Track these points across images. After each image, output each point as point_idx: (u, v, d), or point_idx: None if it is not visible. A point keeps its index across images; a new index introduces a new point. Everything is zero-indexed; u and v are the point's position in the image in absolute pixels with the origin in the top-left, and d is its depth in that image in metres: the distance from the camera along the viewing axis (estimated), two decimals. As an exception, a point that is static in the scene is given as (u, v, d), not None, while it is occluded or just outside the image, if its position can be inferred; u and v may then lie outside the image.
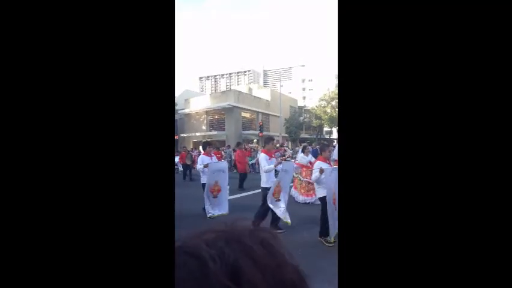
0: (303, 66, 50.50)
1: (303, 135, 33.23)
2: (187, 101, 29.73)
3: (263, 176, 5.29)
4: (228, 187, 6.17)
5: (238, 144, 11.76)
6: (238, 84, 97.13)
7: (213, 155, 6.47)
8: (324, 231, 4.61)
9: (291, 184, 6.27)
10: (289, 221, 5.10)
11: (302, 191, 7.69)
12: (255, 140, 20.93)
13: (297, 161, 7.84)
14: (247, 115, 29.23)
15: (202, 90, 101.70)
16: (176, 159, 15.12)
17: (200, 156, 6.66)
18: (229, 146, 18.62)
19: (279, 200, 5.06)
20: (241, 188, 9.83)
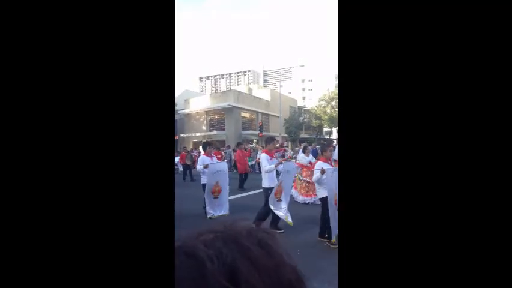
0: (302, 66, 50.54)
1: (303, 135, 33.25)
2: (187, 101, 29.73)
3: (264, 176, 5.27)
4: (228, 187, 6.17)
5: (239, 144, 11.76)
6: (238, 85, 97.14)
7: (213, 155, 6.46)
8: (324, 232, 4.61)
9: (292, 184, 6.27)
10: (290, 220, 5.09)
11: (302, 191, 7.69)
12: (254, 140, 20.93)
13: (297, 161, 7.84)
14: (247, 115, 29.24)
15: (202, 91, 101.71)
16: (177, 159, 15.12)
17: (200, 156, 6.66)
18: (229, 146, 18.62)
19: (281, 201, 5.05)
20: (241, 188, 9.83)
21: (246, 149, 12.71)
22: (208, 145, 6.49)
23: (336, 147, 8.31)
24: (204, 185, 5.98)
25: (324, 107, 33.59)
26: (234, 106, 26.28)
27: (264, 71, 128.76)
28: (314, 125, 35.99)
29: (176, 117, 27.29)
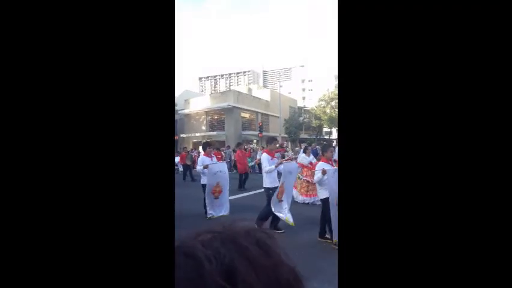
0: (302, 66, 50.52)
1: (303, 135, 33.24)
2: (186, 101, 29.72)
3: (265, 176, 5.25)
4: (228, 188, 6.16)
5: (239, 144, 11.75)
6: (237, 85, 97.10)
7: (213, 155, 6.45)
8: (324, 232, 4.61)
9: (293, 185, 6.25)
10: (291, 221, 5.07)
11: (302, 190, 7.68)
12: (254, 141, 20.92)
13: (298, 161, 7.85)
14: (246, 115, 29.23)
15: (202, 91, 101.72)
16: (177, 159, 15.11)
17: (200, 157, 6.65)
18: (228, 147, 18.62)
19: (282, 201, 5.02)
20: (243, 188, 9.81)
21: (246, 150, 12.69)
22: (208, 145, 6.47)
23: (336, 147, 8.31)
24: (203, 186, 5.97)
25: (324, 107, 33.60)
26: (233, 106, 26.28)
27: (264, 71, 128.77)
28: (314, 125, 35.99)
29: (176, 117, 27.28)
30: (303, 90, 71.07)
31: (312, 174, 7.10)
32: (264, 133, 24.34)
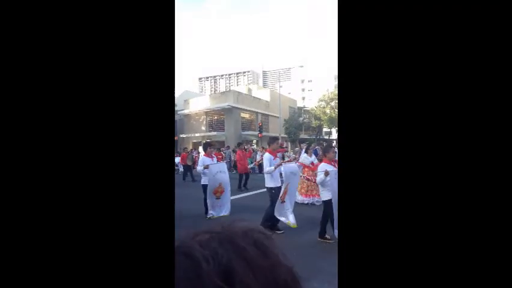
0: (302, 67, 50.53)
1: (303, 135, 33.23)
2: (186, 101, 29.73)
3: (267, 176, 5.20)
4: (229, 188, 6.16)
5: (239, 144, 11.74)
6: (237, 85, 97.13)
7: (213, 155, 6.44)
8: (324, 232, 4.61)
9: (297, 185, 6.23)
10: (293, 222, 5.04)
11: (302, 190, 7.67)
12: (254, 141, 20.91)
13: (300, 161, 7.85)
14: (246, 116, 29.24)
15: (202, 91, 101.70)
16: (177, 159, 15.08)
17: (201, 157, 6.63)
18: (228, 147, 18.62)
19: (284, 202, 4.98)
20: (240, 188, 9.82)
21: (246, 150, 12.68)
22: (209, 146, 6.46)
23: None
24: (203, 186, 5.96)
25: (324, 107, 33.61)
26: (233, 107, 26.29)
27: (264, 71, 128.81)
28: (314, 125, 36.01)
29: (176, 117, 27.28)
30: (303, 90, 71.11)
31: (314, 174, 7.10)
32: (263, 133, 24.33)
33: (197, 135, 27.98)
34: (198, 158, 7.86)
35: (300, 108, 40.10)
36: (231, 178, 6.30)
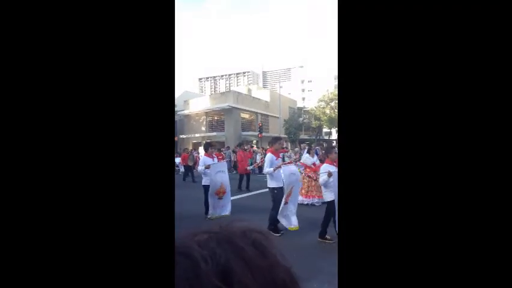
0: (302, 67, 50.58)
1: (302, 136, 33.26)
2: (186, 102, 29.74)
3: (270, 177, 5.11)
4: (230, 188, 6.15)
5: (240, 145, 11.71)
6: (237, 85, 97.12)
7: (214, 156, 6.43)
8: (325, 233, 4.61)
9: (300, 185, 6.20)
10: (295, 224, 5.02)
11: (302, 191, 7.67)
12: (254, 141, 20.91)
13: (301, 161, 7.85)
14: (246, 116, 29.25)
15: (202, 92, 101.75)
16: (177, 160, 15.06)
17: (202, 157, 6.62)
18: (228, 147, 18.62)
19: (287, 203, 4.92)
20: (247, 190, 9.75)
21: (245, 150, 12.67)
22: (210, 146, 6.46)
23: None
24: (204, 187, 5.95)
25: (324, 107, 33.63)
26: (233, 107, 26.30)
27: (264, 71, 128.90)
28: (314, 125, 36.02)
29: (176, 118, 27.28)
30: (303, 90, 71.12)
31: (316, 174, 7.09)
32: (263, 134, 24.33)
33: (197, 135, 27.98)
34: (199, 158, 7.84)
35: (300, 109, 40.12)
36: (230, 178, 6.30)
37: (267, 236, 0.37)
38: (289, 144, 27.24)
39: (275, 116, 31.12)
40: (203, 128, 28.70)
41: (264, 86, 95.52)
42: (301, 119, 34.49)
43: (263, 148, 17.21)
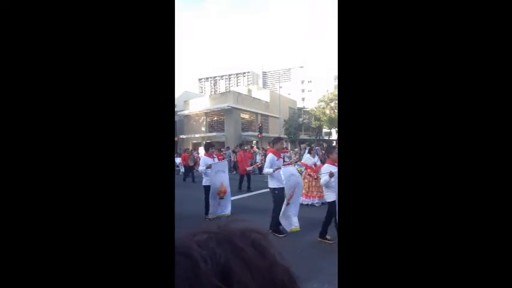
0: (301, 67, 50.55)
1: (302, 136, 33.26)
2: (186, 102, 29.75)
3: (271, 177, 5.06)
4: (229, 188, 6.15)
5: (241, 145, 11.66)
6: (237, 86, 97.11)
7: (215, 156, 6.42)
8: (325, 233, 4.60)
9: (301, 184, 6.18)
10: (295, 225, 5.01)
11: (303, 191, 7.67)
12: (254, 142, 20.91)
13: (302, 161, 7.85)
14: (246, 116, 29.25)
15: (202, 92, 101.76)
16: (178, 160, 15.03)
17: (202, 157, 6.61)
18: (228, 148, 18.61)
19: (289, 204, 4.88)
20: (249, 190, 9.70)
21: (245, 150, 12.65)
22: (211, 146, 6.45)
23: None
24: (205, 187, 5.94)
25: (324, 108, 33.62)
26: (233, 107, 26.30)
27: (263, 72, 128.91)
28: (313, 126, 36.02)
29: (176, 118, 27.29)
30: (303, 91, 71.10)
31: (315, 175, 7.09)
32: (263, 134, 24.33)
33: (197, 136, 27.98)
34: (199, 158, 7.84)
35: (299, 109, 40.13)
36: (230, 179, 6.30)
37: (266, 236, 0.37)
38: (289, 144, 27.25)
39: (275, 117, 31.11)
40: (203, 129, 28.71)
41: (264, 87, 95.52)
42: (301, 119, 34.50)
43: (263, 148, 17.20)
